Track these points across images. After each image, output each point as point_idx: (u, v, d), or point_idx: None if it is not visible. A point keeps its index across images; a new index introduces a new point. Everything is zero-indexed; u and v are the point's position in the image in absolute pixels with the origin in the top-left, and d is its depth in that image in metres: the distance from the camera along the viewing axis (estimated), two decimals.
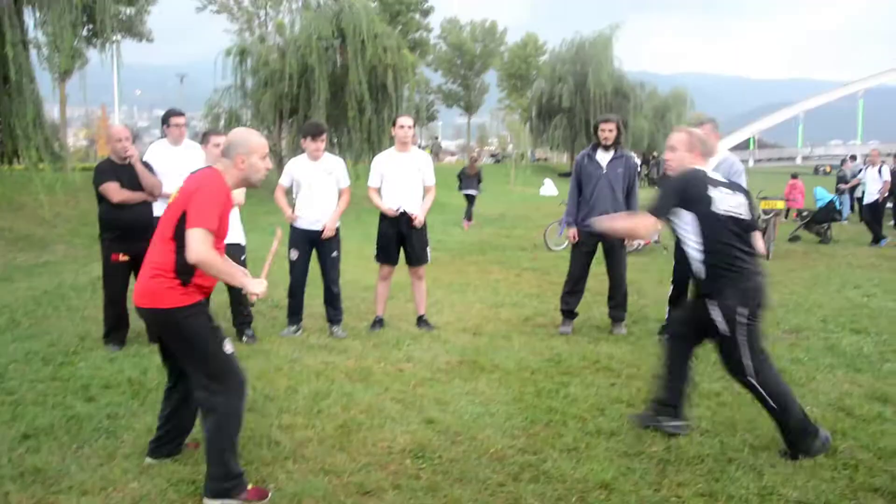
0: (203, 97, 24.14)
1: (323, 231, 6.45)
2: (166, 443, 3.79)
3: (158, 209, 6.69)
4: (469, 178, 18.74)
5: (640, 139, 40.46)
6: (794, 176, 16.91)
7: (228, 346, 3.50)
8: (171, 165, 6.15)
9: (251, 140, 3.49)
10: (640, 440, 4.14)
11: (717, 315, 3.91)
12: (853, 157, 22.68)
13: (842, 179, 18.89)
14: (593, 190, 6.57)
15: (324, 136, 6.43)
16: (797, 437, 3.91)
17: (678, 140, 4.22)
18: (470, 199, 18.73)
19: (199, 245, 3.24)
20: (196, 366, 3.46)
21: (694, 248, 3.99)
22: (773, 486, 3.56)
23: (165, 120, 6.78)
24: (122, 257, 5.87)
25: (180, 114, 6.87)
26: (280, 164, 22.81)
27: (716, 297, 3.94)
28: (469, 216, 18.55)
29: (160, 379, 5.09)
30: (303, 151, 6.59)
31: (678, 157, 4.19)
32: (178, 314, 3.39)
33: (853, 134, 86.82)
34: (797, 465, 3.81)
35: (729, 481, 3.62)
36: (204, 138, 6.25)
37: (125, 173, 5.81)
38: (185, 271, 3.38)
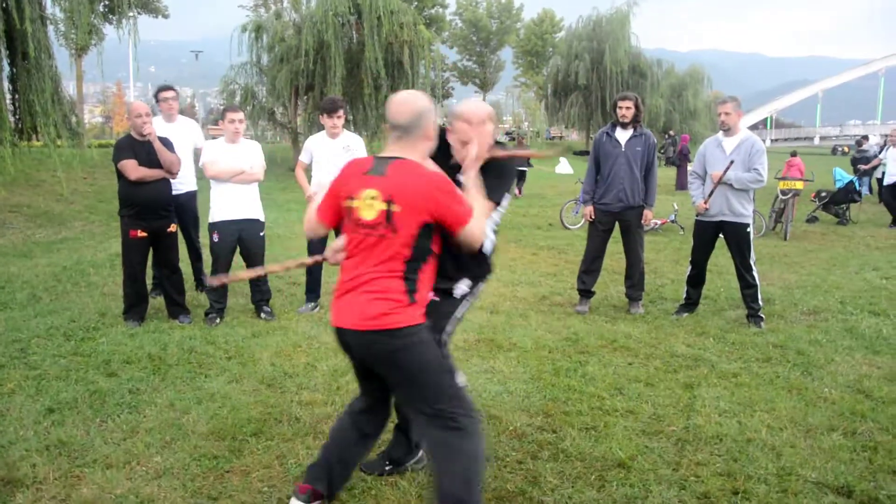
0: (218, 73, 24.13)
1: None
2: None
3: (187, 184, 6.76)
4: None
5: (657, 118, 40.07)
6: (793, 154, 16.76)
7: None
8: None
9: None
10: (659, 419, 4.15)
11: None
12: (865, 138, 22.38)
13: (860, 161, 18.63)
14: (611, 168, 6.53)
15: (341, 113, 6.41)
16: None
17: None
18: (521, 175, 20.23)
19: (481, 233, 2.84)
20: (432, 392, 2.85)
21: None
22: (792, 467, 3.56)
23: (156, 96, 6.88)
24: (141, 233, 5.90)
25: (169, 88, 6.89)
26: (296, 140, 22.87)
27: None
28: (519, 189, 20.10)
29: (180, 355, 5.18)
30: (321, 128, 6.59)
31: None
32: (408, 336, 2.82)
33: (873, 113, 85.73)
34: (816, 447, 3.81)
35: (748, 461, 3.62)
36: (222, 115, 6.27)
37: (144, 150, 5.82)
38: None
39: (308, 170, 6.60)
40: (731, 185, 6.10)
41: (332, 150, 6.41)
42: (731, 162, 6.06)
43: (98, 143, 21.07)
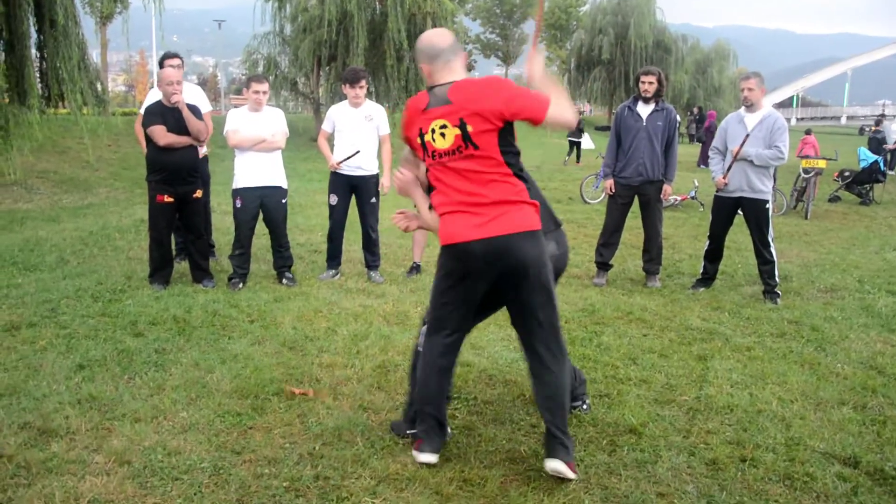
0: (240, 43, 24.17)
1: (362, 178, 6.55)
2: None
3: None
4: (578, 129, 22.08)
5: (681, 94, 39.70)
6: (808, 132, 16.64)
7: None
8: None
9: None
10: (672, 389, 4.23)
11: None
12: (883, 116, 22.06)
13: (879, 141, 18.40)
14: (632, 142, 6.55)
15: (363, 83, 6.46)
16: None
17: None
18: (574, 145, 21.80)
19: (569, 111, 3.03)
20: (549, 317, 3.13)
21: None
22: (801, 438, 3.63)
23: (161, 63, 6.74)
24: (168, 198, 6.02)
25: (174, 56, 6.79)
26: (318, 111, 22.92)
27: None
28: (578, 158, 21.66)
29: (204, 317, 5.32)
30: (343, 98, 6.65)
31: None
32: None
33: None
34: (825, 419, 3.88)
35: (757, 431, 3.70)
36: (247, 83, 6.34)
37: (172, 116, 5.92)
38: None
39: (330, 139, 6.68)
40: (751, 162, 6.11)
41: (354, 120, 6.48)
42: (747, 136, 6.06)
43: (122, 112, 21.26)
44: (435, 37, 3.13)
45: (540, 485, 3.13)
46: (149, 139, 5.95)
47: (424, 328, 3.47)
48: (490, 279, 3.12)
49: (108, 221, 9.42)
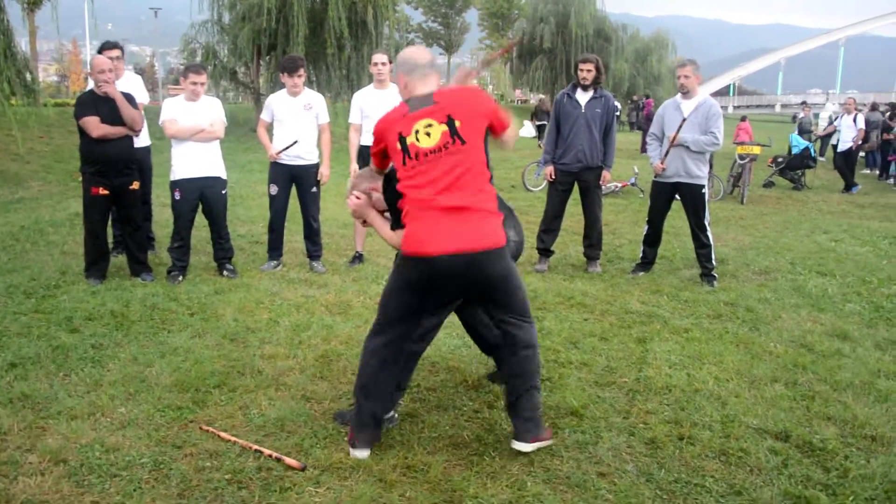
0: (178, 32, 23.59)
1: (303, 168, 6.49)
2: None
3: (141, 140, 6.69)
4: (544, 112, 24.74)
5: (621, 82, 40.24)
6: (743, 119, 17.26)
7: None
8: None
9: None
10: (612, 371, 4.32)
11: None
12: (804, 104, 22.87)
13: (803, 128, 19.03)
14: (571, 128, 6.62)
15: (301, 72, 6.38)
16: None
17: None
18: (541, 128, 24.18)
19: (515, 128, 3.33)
20: (519, 300, 3.31)
21: None
22: (735, 415, 3.74)
23: (99, 52, 6.55)
24: (103, 191, 5.86)
25: (114, 46, 6.65)
26: (258, 101, 22.54)
27: None
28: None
29: (142, 311, 5.21)
30: (282, 87, 6.57)
31: None
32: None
33: (833, 82, 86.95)
34: (758, 396, 4.01)
35: (694, 409, 3.80)
36: (184, 73, 6.19)
37: (106, 106, 5.75)
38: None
39: (270, 128, 6.60)
40: (687, 148, 6.25)
41: (293, 109, 6.41)
42: (683, 120, 6.20)
43: (54, 102, 20.58)
44: (415, 52, 3.29)
45: (483, 469, 3.17)
46: (81, 130, 5.77)
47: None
48: (454, 290, 3.22)
49: (40, 215, 9.12)
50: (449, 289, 3.17)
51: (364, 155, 6.66)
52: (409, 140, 3.04)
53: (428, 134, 3.03)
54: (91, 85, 6.08)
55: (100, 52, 6.61)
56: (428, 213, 3.02)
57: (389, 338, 3.27)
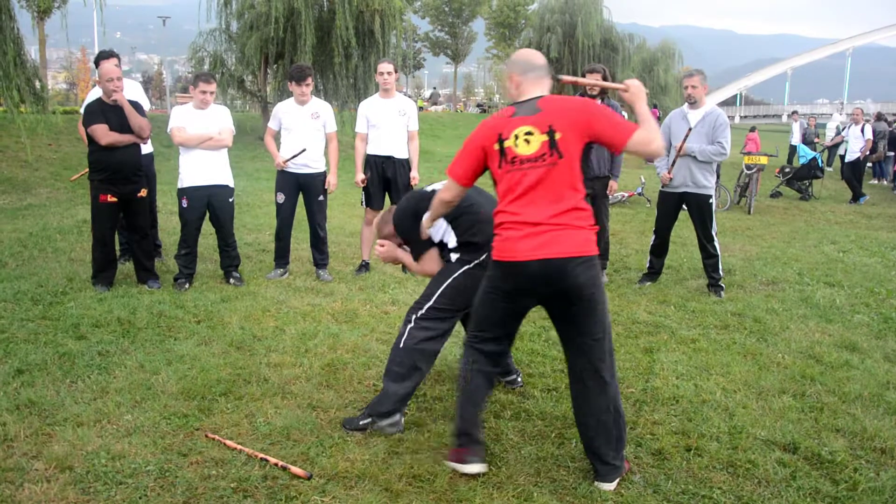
0: (186, 40, 23.73)
1: (310, 176, 6.50)
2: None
3: (144, 147, 6.70)
4: None
5: None
6: (752, 129, 17.25)
7: None
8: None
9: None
10: (619, 381, 4.26)
11: None
12: (795, 113, 22.80)
13: (807, 139, 19.01)
14: None
15: (309, 80, 6.41)
16: None
17: None
18: None
19: (656, 138, 3.06)
20: (597, 321, 3.12)
21: None
22: (743, 426, 3.72)
23: (96, 62, 6.52)
24: (111, 198, 5.88)
25: (110, 55, 6.55)
26: (265, 109, 22.62)
27: None
28: None
29: (149, 318, 5.22)
30: (290, 96, 6.59)
31: None
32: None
33: (840, 93, 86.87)
34: (766, 407, 3.98)
35: (701, 420, 3.78)
36: (194, 82, 6.20)
37: (114, 114, 5.79)
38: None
39: (277, 137, 6.61)
40: (694, 158, 6.24)
41: (300, 117, 6.43)
42: (690, 129, 6.18)
43: (63, 110, 20.67)
44: (532, 54, 3.22)
45: (489, 479, 3.15)
46: (90, 138, 5.80)
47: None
48: (539, 298, 3.14)
49: (48, 222, 9.16)
50: (533, 296, 3.12)
51: (371, 163, 6.67)
52: (508, 143, 3.03)
53: (527, 141, 3.00)
54: (96, 93, 6.09)
55: (96, 62, 6.55)
56: (516, 221, 3.02)
57: (487, 346, 3.27)
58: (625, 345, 4.98)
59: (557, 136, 2.97)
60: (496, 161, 3.07)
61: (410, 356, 3.60)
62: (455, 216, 3.60)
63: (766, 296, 6.40)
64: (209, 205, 6.21)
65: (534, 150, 2.98)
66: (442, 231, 3.71)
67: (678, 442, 3.54)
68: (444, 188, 3.36)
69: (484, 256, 3.54)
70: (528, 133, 3.00)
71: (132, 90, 6.76)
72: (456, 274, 3.63)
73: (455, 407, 3.34)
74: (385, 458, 3.30)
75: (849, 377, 4.47)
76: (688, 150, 6.20)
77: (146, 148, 6.77)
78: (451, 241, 3.68)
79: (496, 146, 3.05)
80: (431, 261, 3.76)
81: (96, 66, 6.54)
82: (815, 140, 19.16)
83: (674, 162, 6.31)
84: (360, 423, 3.59)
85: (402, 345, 3.63)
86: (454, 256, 3.69)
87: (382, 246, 3.86)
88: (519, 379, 4.20)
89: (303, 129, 6.43)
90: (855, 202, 14.15)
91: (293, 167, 6.46)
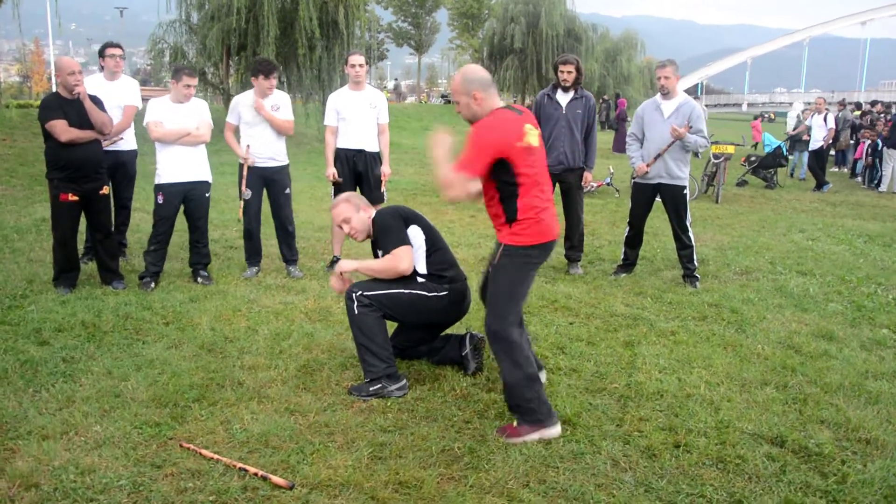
0: (145, 32, 23.17)
1: (274, 169, 6.35)
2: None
3: (129, 142, 6.57)
4: None
5: (591, 82, 40.41)
6: (756, 117, 17.47)
7: None
8: (106, 99, 5.97)
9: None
10: (602, 377, 4.23)
11: None
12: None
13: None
14: (552, 130, 6.55)
15: (275, 74, 6.26)
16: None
17: None
18: None
19: None
20: None
21: None
22: (730, 420, 3.68)
23: (101, 52, 6.64)
24: (72, 197, 5.64)
25: (116, 45, 6.68)
26: (228, 101, 22.20)
27: None
28: None
29: (115, 321, 5.03)
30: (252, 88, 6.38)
31: None
32: None
33: (797, 82, 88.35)
34: (750, 400, 3.96)
35: (688, 416, 3.73)
36: (176, 75, 5.98)
37: (73, 109, 5.53)
38: None
39: (237, 132, 6.43)
40: (670, 150, 6.19)
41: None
42: (673, 141, 6.13)
43: (17, 104, 20.09)
44: (482, 70, 3.62)
45: (478, 483, 3.06)
46: (47, 134, 5.55)
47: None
48: None
49: (4, 221, 8.83)
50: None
51: (341, 157, 6.52)
52: (527, 139, 3.47)
53: (533, 137, 3.53)
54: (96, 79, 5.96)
55: (101, 51, 6.62)
56: (545, 207, 3.57)
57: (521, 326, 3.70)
58: (605, 339, 4.93)
59: (537, 132, 3.61)
60: (522, 156, 3.45)
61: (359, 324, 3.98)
62: (432, 251, 4.08)
63: (741, 286, 6.40)
64: (185, 200, 6.02)
65: (537, 143, 3.56)
66: (417, 245, 4.07)
67: (666, 438, 3.48)
68: (460, 184, 3.42)
69: (445, 293, 4.07)
70: (530, 129, 3.52)
71: (129, 87, 6.60)
72: (418, 291, 4.01)
73: (527, 391, 3.50)
74: (369, 464, 3.19)
75: (828, 367, 4.47)
76: (687, 140, 6.12)
77: (129, 144, 6.58)
78: (422, 269, 4.06)
79: (520, 144, 3.44)
80: (406, 255, 3.96)
81: (101, 58, 6.59)
82: (786, 132, 19.28)
83: (656, 158, 6.23)
84: (371, 388, 3.88)
85: (352, 318, 3.99)
86: (420, 280, 4.05)
87: (340, 278, 4.14)
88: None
89: (262, 122, 6.26)
90: (818, 190, 14.33)
91: (257, 161, 6.29)
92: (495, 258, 3.63)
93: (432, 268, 4.09)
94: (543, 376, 3.98)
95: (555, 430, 3.48)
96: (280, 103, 6.35)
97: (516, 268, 3.56)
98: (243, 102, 6.34)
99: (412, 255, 4.01)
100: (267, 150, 6.28)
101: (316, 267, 6.85)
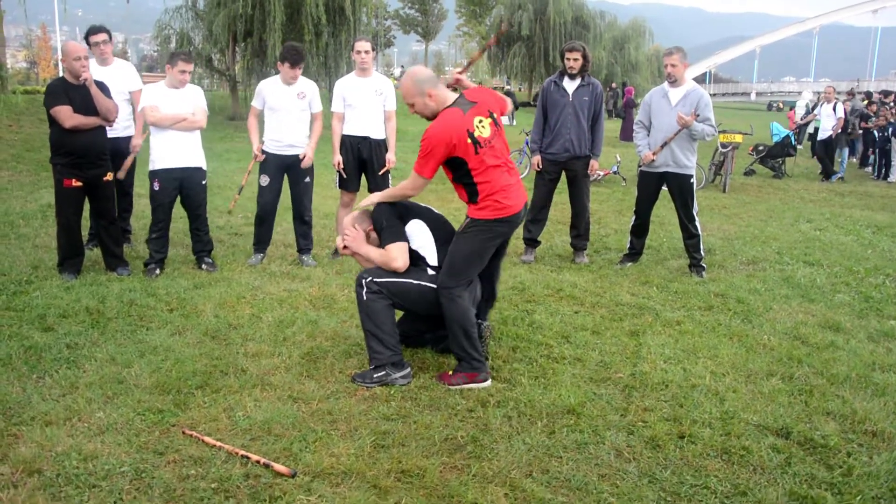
0: (151, 18, 23.16)
1: (296, 157, 6.32)
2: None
3: (128, 129, 6.50)
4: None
5: (599, 70, 40.16)
6: (791, 107, 17.42)
7: None
8: None
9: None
10: (606, 367, 4.22)
11: None
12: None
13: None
14: (559, 117, 6.50)
15: (303, 64, 6.24)
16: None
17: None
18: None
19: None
20: None
21: None
22: (735, 411, 3.66)
23: (86, 39, 6.48)
24: (76, 183, 5.63)
25: (100, 30, 6.49)
26: (234, 88, 22.22)
27: None
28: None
29: (119, 308, 5.03)
30: (259, 75, 6.36)
31: None
32: None
33: (807, 71, 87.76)
34: (756, 391, 3.93)
35: (692, 406, 3.71)
36: (172, 60, 5.93)
37: (78, 94, 5.50)
38: None
39: (260, 116, 6.38)
40: (677, 137, 6.14)
41: (287, 97, 6.23)
42: (680, 129, 6.07)
43: (23, 90, 20.09)
44: (423, 69, 4.02)
45: (480, 472, 3.05)
46: (52, 120, 5.53)
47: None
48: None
49: (10, 207, 8.83)
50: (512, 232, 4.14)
51: (347, 144, 6.49)
52: (476, 134, 3.80)
53: (484, 127, 3.85)
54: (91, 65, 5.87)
55: (86, 37, 6.46)
56: (507, 183, 3.91)
57: (469, 286, 4.00)
58: (610, 328, 4.91)
59: (494, 115, 3.95)
60: (471, 150, 3.79)
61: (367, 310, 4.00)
62: (444, 241, 4.09)
63: (747, 276, 6.36)
64: (181, 187, 6.00)
65: (489, 132, 3.87)
66: (423, 240, 4.08)
67: (671, 429, 3.46)
68: (411, 186, 3.99)
69: None
70: (481, 121, 3.85)
71: (124, 70, 6.55)
72: (428, 283, 3.99)
73: (463, 342, 3.91)
74: (371, 453, 3.18)
75: (835, 358, 4.44)
76: (694, 129, 6.07)
77: (129, 130, 6.51)
78: (433, 261, 4.08)
79: (468, 140, 3.78)
80: (400, 253, 3.96)
81: (87, 45, 6.38)
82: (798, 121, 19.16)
83: (662, 145, 6.18)
84: (375, 376, 3.90)
85: (361, 304, 4.01)
86: (430, 271, 4.07)
87: (348, 235, 4.16)
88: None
89: (288, 109, 6.23)
90: (827, 180, 14.24)
91: (277, 148, 6.27)
92: (461, 227, 4.00)
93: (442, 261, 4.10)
94: (488, 332, 4.22)
95: (483, 384, 3.89)
96: (306, 91, 6.31)
97: (477, 238, 3.94)
98: (269, 88, 6.30)
99: (406, 253, 4.00)
100: (288, 137, 6.25)
101: (321, 255, 6.83)
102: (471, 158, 3.81)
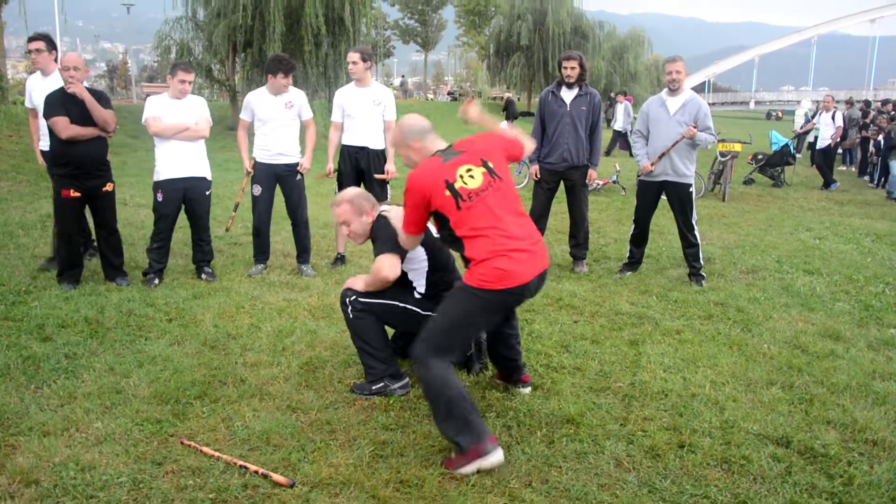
0: (151, 28, 23.21)
1: (286, 166, 6.33)
2: None
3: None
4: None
5: (598, 80, 40.29)
6: (812, 116, 17.51)
7: None
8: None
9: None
10: (606, 376, 4.21)
11: None
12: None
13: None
14: (556, 127, 6.51)
15: (293, 72, 6.26)
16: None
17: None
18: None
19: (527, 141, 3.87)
20: None
21: None
22: (735, 420, 3.65)
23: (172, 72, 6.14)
24: (74, 193, 5.63)
25: (38, 38, 6.20)
26: (234, 98, 22.24)
27: None
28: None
29: (118, 318, 5.02)
30: (258, 86, 6.37)
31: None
32: None
33: (805, 80, 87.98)
34: (756, 400, 3.92)
35: (692, 415, 3.70)
36: (172, 71, 5.93)
37: (76, 105, 5.50)
38: None
39: (250, 129, 6.40)
40: (676, 146, 6.15)
41: (274, 108, 6.24)
42: (681, 137, 6.07)
43: (23, 100, 20.11)
44: (418, 119, 3.57)
45: (479, 482, 3.04)
46: (50, 130, 5.53)
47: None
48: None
49: (10, 217, 8.84)
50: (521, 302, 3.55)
51: (345, 154, 6.51)
52: (458, 185, 3.29)
53: (472, 177, 3.32)
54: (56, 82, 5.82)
55: (29, 42, 6.25)
56: (510, 249, 3.24)
57: (454, 358, 3.42)
58: (609, 337, 4.90)
59: (491, 164, 3.39)
60: (451, 203, 3.28)
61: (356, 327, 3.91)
62: (434, 269, 3.89)
63: (747, 284, 6.36)
64: (185, 198, 6.00)
65: (479, 182, 3.32)
66: (420, 262, 3.89)
67: (670, 439, 3.45)
68: (404, 242, 3.63)
69: None
70: (469, 169, 3.34)
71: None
72: (413, 307, 3.87)
73: (453, 417, 3.18)
74: (370, 462, 3.17)
75: (835, 367, 4.43)
76: (697, 138, 6.08)
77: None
78: (420, 287, 3.91)
79: (447, 192, 3.28)
80: (392, 264, 3.68)
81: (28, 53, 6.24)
82: (793, 130, 19.22)
83: (661, 156, 6.19)
84: (373, 388, 3.86)
85: (348, 323, 3.93)
86: (416, 295, 3.92)
87: (347, 226, 3.94)
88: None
89: (279, 120, 6.24)
90: (826, 189, 14.25)
91: (268, 157, 6.27)
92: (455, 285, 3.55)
93: (431, 289, 3.90)
94: (478, 367, 4.17)
95: (493, 459, 3.10)
96: (293, 100, 6.32)
97: (464, 305, 3.31)
98: (256, 100, 6.31)
99: (397, 263, 3.71)
100: (277, 146, 6.26)
101: (320, 264, 6.83)
102: (451, 213, 3.28)
